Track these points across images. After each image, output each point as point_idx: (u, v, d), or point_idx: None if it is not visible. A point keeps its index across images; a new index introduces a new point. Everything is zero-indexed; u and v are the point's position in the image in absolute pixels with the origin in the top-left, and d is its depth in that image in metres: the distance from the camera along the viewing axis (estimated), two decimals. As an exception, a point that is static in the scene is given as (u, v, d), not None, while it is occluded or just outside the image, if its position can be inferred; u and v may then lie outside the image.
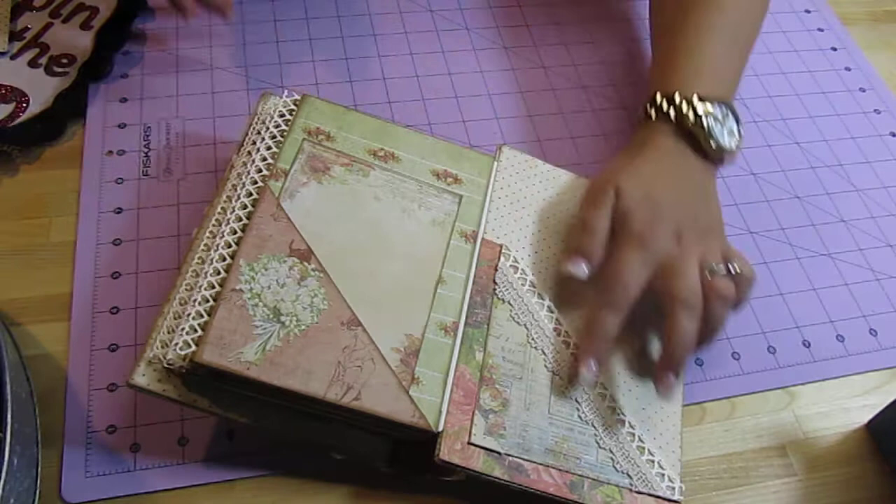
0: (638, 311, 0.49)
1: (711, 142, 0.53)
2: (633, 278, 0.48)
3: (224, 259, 0.47)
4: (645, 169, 0.53)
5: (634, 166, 0.53)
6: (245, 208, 0.49)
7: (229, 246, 0.47)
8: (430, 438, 0.45)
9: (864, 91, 0.75)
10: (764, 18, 0.63)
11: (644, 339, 0.53)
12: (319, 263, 0.48)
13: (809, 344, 0.59)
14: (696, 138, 0.54)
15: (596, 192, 0.52)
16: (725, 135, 0.54)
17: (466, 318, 0.49)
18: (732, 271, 0.49)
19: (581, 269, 0.50)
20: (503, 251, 0.53)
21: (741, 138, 0.55)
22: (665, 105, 0.55)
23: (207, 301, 0.45)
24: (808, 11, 0.81)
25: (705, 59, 0.57)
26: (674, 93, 0.54)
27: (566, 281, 0.53)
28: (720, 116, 0.54)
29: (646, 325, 0.53)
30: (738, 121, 0.55)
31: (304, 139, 0.53)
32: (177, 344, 0.43)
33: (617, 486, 0.47)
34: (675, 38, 0.59)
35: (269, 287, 0.46)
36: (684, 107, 0.54)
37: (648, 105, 0.56)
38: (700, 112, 0.53)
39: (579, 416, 0.49)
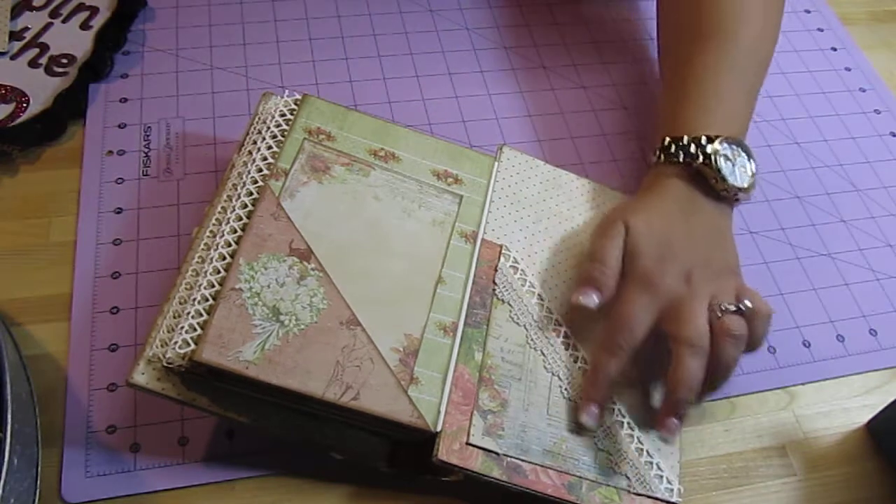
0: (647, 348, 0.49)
1: (722, 181, 0.52)
2: (638, 323, 0.48)
3: (224, 258, 0.47)
4: (655, 209, 0.52)
5: (645, 205, 0.52)
6: (245, 207, 0.49)
7: (229, 245, 0.47)
8: (428, 438, 0.45)
9: (864, 91, 0.75)
10: (773, 52, 0.61)
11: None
12: (319, 263, 0.48)
13: (809, 344, 0.59)
14: (706, 179, 0.52)
15: (606, 226, 0.52)
16: (737, 173, 0.52)
17: (466, 318, 0.49)
18: (744, 309, 0.48)
19: (591, 300, 0.49)
20: (503, 251, 0.53)
21: (754, 176, 0.53)
22: (673, 147, 0.53)
23: (207, 300, 0.45)
24: (808, 11, 0.81)
25: (714, 98, 0.55)
26: (682, 135, 0.53)
27: (569, 288, 0.53)
28: (730, 155, 0.52)
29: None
30: (750, 158, 0.53)
31: (304, 139, 0.53)
32: (176, 343, 0.43)
33: (615, 487, 0.47)
34: (684, 80, 0.57)
35: (268, 286, 0.46)
36: (692, 147, 0.52)
37: (658, 149, 0.55)
38: (709, 151, 0.52)
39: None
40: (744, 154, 0.53)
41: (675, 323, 0.47)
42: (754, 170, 0.53)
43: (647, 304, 0.48)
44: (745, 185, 0.53)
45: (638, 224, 0.51)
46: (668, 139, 0.54)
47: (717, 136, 0.52)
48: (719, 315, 0.47)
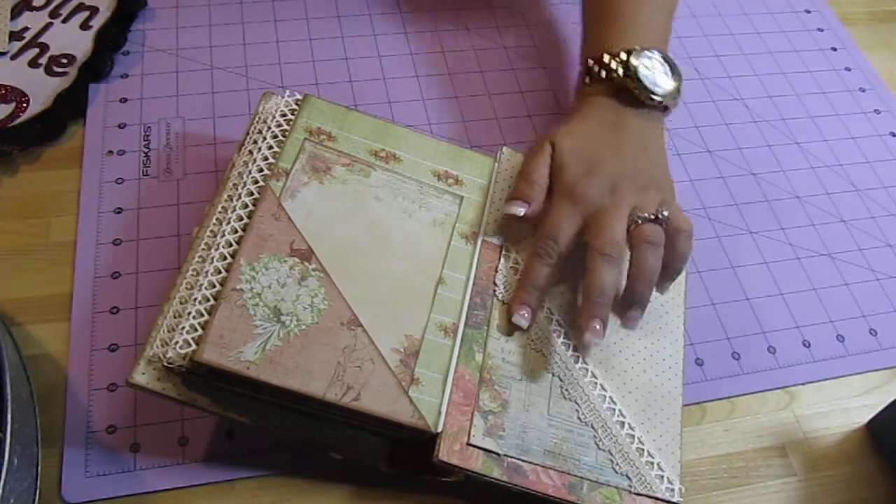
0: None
1: (644, 89, 0.54)
2: (562, 232, 0.50)
3: (225, 258, 0.47)
4: (581, 128, 0.54)
5: (572, 125, 0.55)
6: (246, 207, 0.49)
7: (230, 245, 0.47)
8: (429, 439, 0.45)
9: (864, 91, 0.75)
10: None
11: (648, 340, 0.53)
12: (320, 263, 0.48)
13: (809, 344, 0.59)
14: (629, 90, 0.54)
15: (534, 148, 0.54)
16: (658, 80, 0.54)
17: (466, 319, 0.49)
18: (661, 218, 0.49)
19: (518, 210, 0.51)
20: (503, 252, 0.53)
21: (679, 80, 0.55)
22: (596, 67, 0.56)
23: (208, 300, 0.45)
24: (808, 11, 0.81)
25: (629, 18, 0.58)
26: (602, 54, 0.55)
27: (569, 289, 0.53)
28: (650, 64, 0.54)
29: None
30: (671, 65, 0.55)
31: (305, 139, 0.53)
32: (177, 343, 0.43)
33: (616, 487, 0.47)
34: (599, 8, 0.59)
35: (269, 287, 0.46)
36: (612, 63, 0.54)
37: (583, 74, 0.57)
38: (628, 62, 0.54)
39: (578, 418, 0.49)
40: (665, 63, 0.55)
41: (592, 234, 0.49)
42: (678, 75, 0.55)
43: (572, 215, 0.50)
44: (669, 90, 0.54)
45: (564, 142, 0.53)
46: (590, 60, 0.56)
47: (634, 49, 0.55)
48: (638, 223, 0.49)
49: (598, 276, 0.48)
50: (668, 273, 0.51)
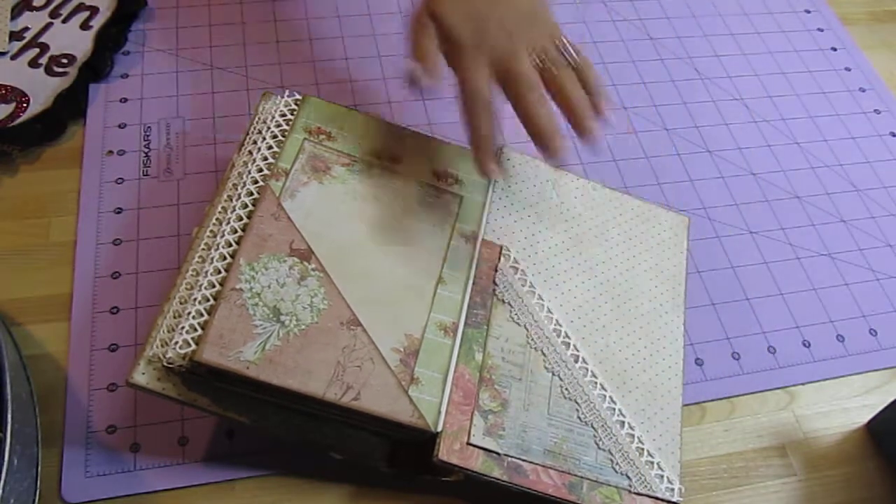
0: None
1: None
2: (480, 81, 0.50)
3: (224, 258, 0.47)
4: None
5: None
6: (246, 207, 0.49)
7: (230, 245, 0.47)
8: (429, 438, 0.45)
9: (864, 91, 0.75)
10: None
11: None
12: (319, 263, 0.48)
13: (809, 344, 0.59)
14: None
15: (415, 25, 0.53)
16: None
17: (466, 318, 0.49)
18: (563, 52, 0.51)
19: (419, 71, 0.50)
20: (503, 252, 0.53)
21: None
22: None
23: (208, 300, 0.45)
24: (808, 11, 0.81)
25: None
26: None
27: (569, 289, 0.53)
28: None
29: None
30: None
31: (304, 139, 0.53)
32: (177, 343, 0.43)
33: (616, 487, 0.47)
34: None
35: (269, 286, 0.46)
36: None
37: None
38: None
39: (578, 417, 0.49)
40: None
41: (507, 83, 0.50)
42: None
43: (479, 64, 0.50)
44: None
45: (442, 8, 0.52)
46: None
47: None
48: (542, 63, 0.50)
49: (534, 112, 0.49)
50: (598, 106, 0.51)
